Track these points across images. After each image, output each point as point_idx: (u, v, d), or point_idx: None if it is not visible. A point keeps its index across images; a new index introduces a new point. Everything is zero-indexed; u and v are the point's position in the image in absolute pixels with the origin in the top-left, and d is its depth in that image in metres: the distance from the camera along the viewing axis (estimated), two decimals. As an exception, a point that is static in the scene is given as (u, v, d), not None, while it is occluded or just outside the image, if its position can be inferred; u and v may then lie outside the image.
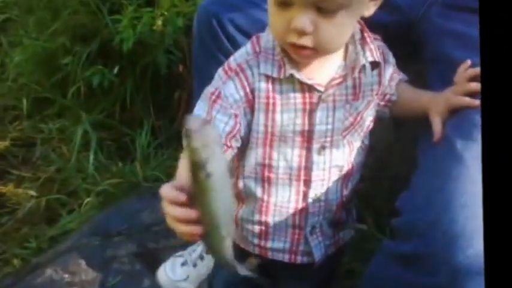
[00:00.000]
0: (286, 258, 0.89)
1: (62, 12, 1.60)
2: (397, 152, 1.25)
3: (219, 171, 0.61)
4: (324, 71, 0.81)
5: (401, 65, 1.08)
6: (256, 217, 0.87)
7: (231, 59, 0.81)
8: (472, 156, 0.80)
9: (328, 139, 0.83)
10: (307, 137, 0.82)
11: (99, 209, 1.46)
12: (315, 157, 0.83)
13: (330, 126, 0.82)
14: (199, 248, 1.23)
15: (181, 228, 0.64)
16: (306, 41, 0.74)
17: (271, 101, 0.79)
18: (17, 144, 1.72)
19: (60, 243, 1.40)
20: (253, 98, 0.78)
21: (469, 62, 0.90)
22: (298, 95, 0.80)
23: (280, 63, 0.78)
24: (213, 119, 0.76)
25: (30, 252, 1.41)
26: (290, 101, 0.79)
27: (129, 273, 1.26)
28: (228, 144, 0.77)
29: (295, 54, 0.77)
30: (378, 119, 0.90)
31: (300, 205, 0.86)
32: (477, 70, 0.88)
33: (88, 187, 1.51)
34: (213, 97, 0.78)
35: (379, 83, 0.85)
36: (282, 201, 0.85)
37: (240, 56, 0.80)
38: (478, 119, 0.82)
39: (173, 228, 0.65)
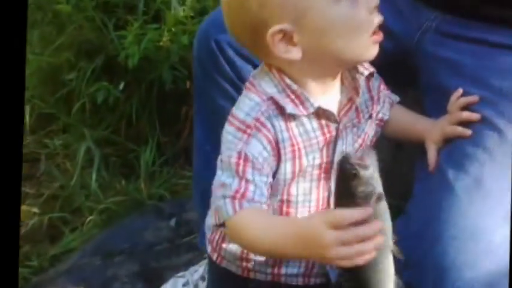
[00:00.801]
0: (300, 281, 0.86)
1: (67, 28, 1.59)
2: (396, 176, 1.22)
3: (382, 191, 0.65)
4: (331, 98, 0.80)
5: (398, 91, 1.07)
6: None
7: (241, 114, 0.76)
8: (462, 187, 0.81)
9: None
10: (325, 168, 0.81)
11: (102, 227, 1.43)
12: (332, 186, 0.81)
13: (344, 153, 0.80)
14: (201, 268, 1.20)
15: (369, 246, 0.64)
16: (379, 16, 0.76)
17: (296, 147, 0.77)
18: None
19: (62, 262, 1.36)
20: (279, 149, 0.76)
21: (460, 91, 0.90)
22: (318, 132, 0.78)
23: (297, 101, 0.76)
24: (252, 182, 0.73)
25: (32, 271, 1.38)
26: (312, 141, 0.78)
27: (130, 293, 1.22)
28: (269, 203, 0.76)
29: (376, 42, 0.77)
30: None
31: None
32: (469, 99, 0.88)
33: (91, 205, 1.47)
34: (241, 161, 0.74)
35: (372, 98, 0.86)
36: None
37: (252, 110, 0.76)
38: (469, 149, 0.86)
39: (359, 252, 0.64)
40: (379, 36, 0.77)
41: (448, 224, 0.79)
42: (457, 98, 0.90)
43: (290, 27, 0.72)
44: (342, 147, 0.81)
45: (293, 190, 0.80)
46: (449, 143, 0.89)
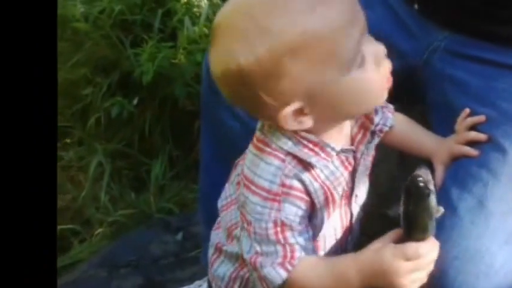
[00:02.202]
0: None
1: (85, 44, 1.60)
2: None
3: None
4: (345, 132, 0.78)
5: (405, 108, 1.04)
6: None
7: (265, 184, 0.71)
8: (465, 207, 0.79)
9: (359, 185, 0.81)
10: (347, 194, 0.79)
11: (111, 239, 1.42)
12: (353, 206, 0.81)
13: (359, 174, 0.80)
14: (205, 284, 1.17)
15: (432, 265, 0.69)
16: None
17: (328, 192, 0.74)
18: (37, 171, 1.70)
19: (69, 273, 1.35)
20: (312, 200, 0.73)
21: (467, 110, 0.88)
22: (341, 169, 0.76)
23: (316, 150, 0.72)
24: (297, 244, 0.72)
25: (40, 281, 1.37)
26: (340, 179, 0.76)
27: (134, 306, 1.20)
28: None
29: (388, 86, 0.74)
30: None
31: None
32: (476, 119, 0.87)
33: (101, 217, 1.47)
34: (278, 229, 0.71)
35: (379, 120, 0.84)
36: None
37: (275, 176, 0.71)
38: (474, 169, 0.84)
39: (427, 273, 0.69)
40: (390, 82, 0.74)
41: (449, 244, 0.77)
42: (464, 118, 0.89)
43: (301, 104, 0.68)
44: (361, 171, 0.80)
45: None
46: (454, 161, 0.87)
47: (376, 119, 0.86)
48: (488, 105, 0.89)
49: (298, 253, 0.71)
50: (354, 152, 0.78)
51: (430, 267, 0.69)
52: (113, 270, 1.27)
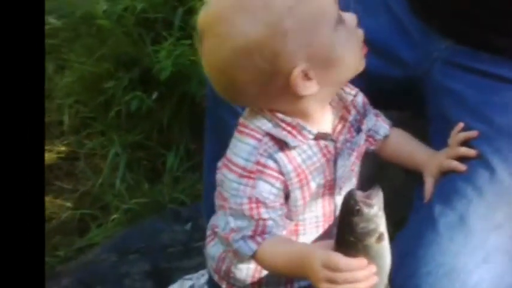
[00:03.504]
0: None
1: (108, 40, 1.64)
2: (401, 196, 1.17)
3: (385, 230, 0.64)
4: (324, 120, 0.79)
5: (406, 118, 1.03)
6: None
7: (240, 161, 0.74)
8: (446, 224, 0.78)
9: (343, 179, 0.82)
10: (330, 185, 0.81)
11: (125, 225, 1.46)
12: (337, 199, 0.81)
13: (343, 168, 0.81)
14: (207, 274, 1.20)
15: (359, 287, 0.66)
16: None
17: (302, 176, 0.76)
18: (63, 157, 1.76)
19: (85, 255, 1.40)
20: (285, 181, 0.75)
21: (461, 125, 0.87)
22: (319, 155, 0.77)
23: (294, 132, 0.75)
24: (269, 219, 0.73)
25: (58, 261, 1.43)
26: (316, 164, 0.77)
27: (139, 290, 1.24)
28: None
29: (364, 53, 0.77)
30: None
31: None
32: (468, 134, 0.85)
33: (117, 204, 1.51)
34: (253, 205, 0.73)
35: (358, 112, 0.85)
36: None
37: (250, 154, 0.73)
38: (459, 185, 0.82)
39: None
40: (366, 49, 0.78)
41: (425, 260, 0.76)
42: (457, 132, 0.87)
43: (306, 65, 0.71)
44: (341, 163, 0.81)
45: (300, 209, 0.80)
46: (443, 176, 0.86)
47: (365, 121, 0.87)
48: (483, 120, 0.87)
49: (269, 228, 0.73)
50: (334, 141, 0.79)
51: (354, 286, 0.65)
52: (123, 255, 1.32)
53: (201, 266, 1.22)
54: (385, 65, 1.02)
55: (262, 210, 0.73)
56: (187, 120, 1.62)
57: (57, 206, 1.59)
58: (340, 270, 0.64)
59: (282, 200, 0.75)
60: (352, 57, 0.76)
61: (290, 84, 0.71)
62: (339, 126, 0.80)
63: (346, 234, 0.64)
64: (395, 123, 1.23)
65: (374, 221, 0.63)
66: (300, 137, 0.75)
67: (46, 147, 1.78)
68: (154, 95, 1.61)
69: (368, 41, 1.01)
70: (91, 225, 1.51)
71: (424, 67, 0.99)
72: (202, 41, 0.73)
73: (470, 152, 0.84)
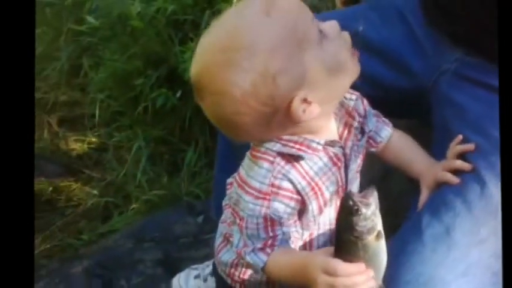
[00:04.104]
0: None
1: (140, 40, 1.70)
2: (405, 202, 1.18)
3: (381, 229, 0.65)
4: (330, 129, 0.81)
5: (413, 127, 1.02)
6: None
7: (256, 184, 0.76)
8: (431, 235, 0.79)
9: (351, 180, 0.84)
10: (342, 189, 0.82)
11: (144, 215, 1.53)
12: None
13: (352, 171, 0.83)
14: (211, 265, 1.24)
15: None
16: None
17: (316, 188, 0.78)
18: (93, 148, 1.85)
19: (105, 240, 1.47)
20: (302, 197, 0.77)
21: (460, 137, 0.87)
22: (330, 164, 0.79)
23: (305, 144, 0.77)
24: (279, 236, 0.76)
25: (82, 244, 1.52)
26: (328, 174, 0.79)
27: (150, 276, 1.31)
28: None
29: (355, 59, 0.78)
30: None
31: None
32: (465, 147, 0.85)
33: (138, 194, 1.58)
34: (268, 223, 0.76)
35: (360, 115, 0.86)
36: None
37: (265, 177, 0.75)
38: (450, 197, 0.83)
39: None
40: (357, 51, 0.78)
41: (405, 268, 0.77)
42: (456, 144, 0.87)
43: (303, 92, 0.72)
44: (352, 167, 0.82)
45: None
46: (438, 187, 0.86)
47: (370, 126, 0.89)
48: (482, 134, 0.87)
49: (279, 242, 0.76)
50: (343, 148, 0.80)
51: None
52: (139, 242, 1.38)
53: (208, 257, 1.27)
54: (395, 75, 1.02)
55: (277, 227, 0.76)
56: (207, 118, 1.66)
57: (85, 193, 1.69)
58: (339, 275, 0.65)
59: (295, 218, 0.77)
60: (344, 65, 0.76)
61: (292, 116, 0.72)
62: (345, 133, 0.82)
63: (345, 233, 0.65)
64: (403, 129, 1.24)
65: (372, 219, 0.64)
66: (309, 151, 0.76)
67: (78, 138, 1.89)
68: (179, 93, 1.67)
69: (380, 51, 1.03)
70: (113, 212, 1.60)
71: (432, 78, 0.98)
72: (200, 98, 0.76)
73: (465, 165, 0.83)
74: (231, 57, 0.70)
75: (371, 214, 0.64)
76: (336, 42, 0.75)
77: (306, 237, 0.82)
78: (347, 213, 0.64)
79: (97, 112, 1.78)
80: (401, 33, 1.02)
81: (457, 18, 0.94)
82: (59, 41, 2.01)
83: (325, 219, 0.82)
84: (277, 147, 0.76)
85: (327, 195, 0.79)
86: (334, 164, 0.79)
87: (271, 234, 0.76)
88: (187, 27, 1.71)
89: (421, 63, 1.00)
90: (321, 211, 0.79)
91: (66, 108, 2.01)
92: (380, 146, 0.92)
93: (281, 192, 0.75)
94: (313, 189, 0.77)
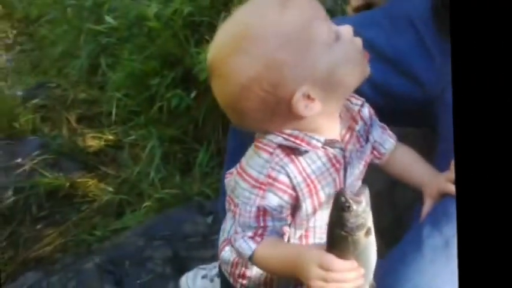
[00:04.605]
0: None
1: (157, 41, 1.71)
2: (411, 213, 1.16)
3: (372, 225, 0.67)
4: (333, 131, 0.81)
5: (424, 136, 1.00)
6: None
7: (254, 173, 0.76)
8: (430, 245, 0.78)
9: (352, 187, 0.83)
10: None
11: (156, 213, 1.54)
12: None
13: (352, 177, 0.83)
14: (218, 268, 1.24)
15: (347, 286, 0.68)
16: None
17: (311, 186, 0.78)
18: (110, 145, 1.87)
19: (117, 236, 1.49)
20: (296, 193, 0.77)
21: None
22: (328, 165, 0.79)
23: (306, 140, 0.77)
24: (271, 226, 0.77)
25: (95, 239, 1.53)
26: (325, 174, 0.79)
27: (159, 274, 1.32)
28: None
29: (367, 59, 0.78)
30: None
31: None
32: None
33: (151, 193, 1.59)
34: (260, 213, 0.76)
35: (365, 123, 0.86)
36: None
37: (263, 167, 0.76)
38: (451, 209, 0.81)
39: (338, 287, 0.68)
40: (368, 54, 0.78)
41: (404, 278, 0.77)
42: None
43: (306, 88, 0.73)
44: (351, 171, 0.82)
45: (311, 222, 0.81)
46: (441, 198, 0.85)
47: (375, 136, 0.88)
48: None
49: (269, 232, 0.76)
50: (343, 150, 0.80)
51: (343, 286, 0.68)
52: (149, 240, 1.39)
53: (215, 257, 1.27)
54: (404, 83, 1.01)
55: (268, 218, 0.76)
56: (220, 119, 1.67)
57: (101, 190, 1.70)
58: (333, 270, 0.67)
59: (288, 212, 0.78)
60: (352, 69, 0.76)
61: (293, 109, 0.73)
62: (347, 136, 0.81)
63: (337, 229, 0.66)
64: (409, 137, 1.22)
65: (362, 216, 0.65)
66: (309, 147, 0.77)
67: (96, 135, 1.91)
68: (193, 94, 1.67)
69: (390, 59, 1.01)
70: (126, 209, 1.61)
71: (439, 87, 0.97)
72: (211, 80, 0.78)
73: None
74: (241, 43, 0.72)
75: (362, 211, 0.65)
76: (348, 46, 0.76)
77: (301, 237, 0.82)
78: (339, 209, 0.66)
79: (113, 110, 1.80)
80: (410, 41, 1.01)
81: None
82: (79, 40, 2.04)
83: (322, 223, 0.81)
84: (278, 139, 0.77)
85: (322, 195, 0.78)
86: (333, 165, 0.79)
87: (262, 224, 0.76)
88: (203, 29, 1.72)
89: (429, 72, 0.98)
90: (314, 211, 0.79)
91: (85, 105, 2.04)
92: (383, 158, 0.91)
93: (276, 184, 0.76)
94: (308, 186, 0.77)
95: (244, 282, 0.90)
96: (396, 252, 0.83)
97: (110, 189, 1.69)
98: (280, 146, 0.76)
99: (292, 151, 0.76)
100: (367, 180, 1.43)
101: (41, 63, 2.33)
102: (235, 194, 0.79)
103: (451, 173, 0.85)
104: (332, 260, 0.67)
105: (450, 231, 0.79)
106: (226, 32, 0.76)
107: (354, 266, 0.67)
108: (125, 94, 1.84)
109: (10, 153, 1.83)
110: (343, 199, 0.65)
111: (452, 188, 0.82)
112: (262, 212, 0.76)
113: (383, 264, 0.82)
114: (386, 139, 0.90)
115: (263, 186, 0.75)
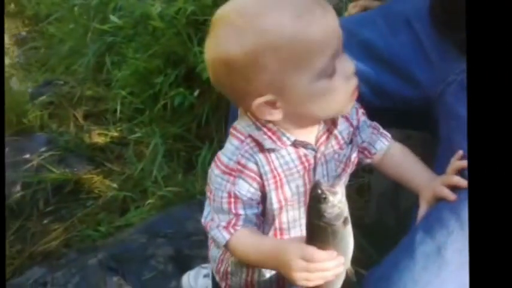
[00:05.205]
0: None
1: (161, 39, 1.69)
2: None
3: (348, 215, 0.68)
4: (309, 130, 0.80)
5: (419, 141, 0.97)
6: (273, 276, 0.87)
7: (225, 159, 0.77)
8: (423, 252, 0.76)
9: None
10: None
11: (159, 210, 1.53)
12: None
13: (326, 179, 0.81)
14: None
15: (328, 274, 0.70)
16: (355, 78, 0.75)
17: (277, 178, 0.78)
18: (115, 142, 1.86)
19: (120, 233, 1.48)
20: (263, 182, 0.77)
21: (461, 153, 0.83)
22: (297, 162, 0.79)
23: (274, 137, 0.76)
24: (243, 215, 0.77)
25: (99, 235, 1.52)
26: (292, 170, 0.78)
27: (162, 272, 1.31)
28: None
29: (353, 98, 0.76)
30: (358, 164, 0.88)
31: None
32: (464, 163, 0.82)
33: (154, 190, 1.58)
34: (231, 200, 0.76)
35: (351, 125, 0.84)
36: None
37: (233, 154, 0.77)
38: (445, 215, 0.80)
39: (318, 278, 0.70)
40: (355, 96, 0.76)
41: (397, 285, 0.75)
42: (457, 159, 0.84)
43: (273, 97, 0.72)
44: (323, 173, 0.81)
45: (283, 218, 0.82)
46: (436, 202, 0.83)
47: (363, 136, 0.87)
48: None
49: (242, 222, 0.77)
50: (315, 151, 0.79)
51: (324, 274, 0.70)
52: (151, 238, 1.38)
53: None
54: (401, 85, 0.99)
55: (239, 205, 0.76)
56: (223, 117, 1.65)
57: (105, 186, 1.70)
58: (315, 261, 0.68)
59: (258, 199, 0.78)
60: (327, 107, 0.74)
61: (252, 108, 0.72)
62: (323, 137, 0.80)
63: (316, 220, 0.67)
64: (410, 141, 1.19)
65: (339, 206, 0.66)
66: (279, 143, 0.76)
67: (102, 132, 1.90)
68: (196, 92, 1.65)
69: (387, 60, 0.99)
70: (131, 206, 1.60)
71: (438, 89, 0.95)
72: (210, 32, 0.75)
73: (461, 182, 0.80)
74: (239, 25, 0.69)
75: (338, 202, 0.66)
76: (337, 86, 0.72)
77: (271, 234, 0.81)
78: (316, 201, 0.67)
79: (118, 108, 1.79)
80: (408, 42, 0.99)
81: (463, 20, 0.90)
82: (87, 38, 2.03)
83: (295, 224, 0.81)
84: (250, 128, 0.76)
85: (287, 190, 0.78)
86: (302, 163, 0.78)
87: (233, 211, 0.76)
88: (206, 28, 1.68)
89: (427, 73, 0.96)
90: (280, 206, 0.78)
91: (92, 102, 2.03)
92: (375, 157, 0.90)
93: (246, 171, 0.76)
94: (274, 177, 0.77)
95: (228, 280, 0.90)
96: (390, 257, 0.81)
97: (115, 185, 1.69)
98: (251, 136, 0.76)
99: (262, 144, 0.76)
100: (371, 182, 1.41)
101: (49, 60, 2.33)
102: (211, 181, 0.80)
103: (446, 177, 0.83)
104: (313, 251, 0.68)
105: (442, 238, 0.77)
106: (235, 8, 0.71)
107: (334, 255, 0.69)
108: (129, 92, 1.82)
109: (18, 149, 1.82)
110: (319, 191, 0.66)
111: (446, 193, 0.81)
112: (234, 198, 0.76)
113: (378, 269, 0.81)
114: (376, 139, 0.89)
115: (233, 173, 0.76)
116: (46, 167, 1.74)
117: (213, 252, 0.93)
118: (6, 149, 1.78)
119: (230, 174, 0.76)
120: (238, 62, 0.69)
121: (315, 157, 0.79)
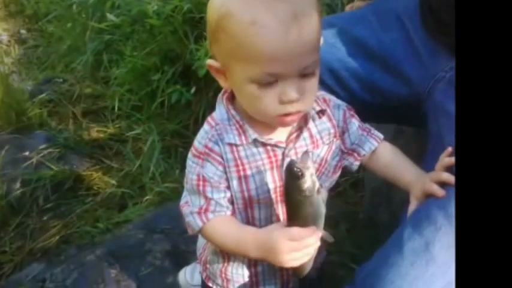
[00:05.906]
0: None
1: (157, 37, 1.67)
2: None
3: (320, 184, 0.72)
4: (281, 129, 0.79)
5: (412, 136, 0.96)
6: (246, 271, 0.87)
7: (196, 143, 0.79)
8: (411, 248, 0.75)
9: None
10: (281, 191, 0.79)
11: (156, 206, 1.51)
12: None
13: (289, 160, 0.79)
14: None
15: (312, 249, 0.73)
16: (295, 107, 0.72)
17: (240, 167, 0.78)
18: (114, 139, 1.84)
19: (119, 229, 1.47)
20: (225, 168, 0.78)
21: (450, 149, 0.82)
22: (264, 156, 0.78)
23: (240, 130, 0.77)
24: (212, 200, 0.78)
25: (98, 232, 1.51)
26: (258, 163, 0.78)
27: (158, 267, 1.30)
28: (231, 212, 0.80)
29: (283, 123, 0.74)
30: (346, 169, 0.88)
31: None
32: (453, 160, 0.80)
33: (152, 186, 1.56)
34: (200, 182, 0.78)
35: (334, 126, 0.83)
36: None
37: (202, 138, 0.78)
38: (433, 211, 0.78)
39: (305, 255, 0.72)
40: (284, 122, 0.74)
41: (384, 281, 0.74)
42: (446, 156, 0.83)
43: (222, 67, 0.73)
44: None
45: (256, 214, 0.81)
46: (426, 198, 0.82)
47: (352, 138, 0.86)
48: None
49: (212, 207, 0.78)
50: (284, 148, 0.78)
51: (309, 250, 0.72)
52: (149, 233, 1.37)
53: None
54: (392, 81, 0.98)
55: (208, 188, 0.77)
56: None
57: (104, 182, 1.68)
58: (302, 238, 0.71)
59: (226, 183, 0.78)
60: (254, 111, 0.74)
61: (213, 68, 0.74)
62: (294, 135, 0.79)
63: (296, 195, 0.70)
64: (406, 135, 1.17)
65: (312, 178, 0.70)
66: (242, 137, 0.76)
67: (100, 129, 1.88)
68: (193, 89, 1.64)
69: (378, 56, 0.98)
70: (129, 203, 1.59)
71: (427, 86, 0.94)
72: None
73: (451, 178, 0.79)
74: None
75: (311, 174, 0.70)
76: (267, 99, 0.71)
77: None
78: (295, 178, 0.69)
79: (116, 105, 1.77)
80: (398, 39, 0.98)
81: (452, 27, 0.88)
82: (85, 36, 2.00)
83: (268, 220, 0.80)
84: (222, 117, 0.77)
85: (251, 182, 0.77)
86: (269, 157, 0.78)
87: (202, 193, 0.77)
88: (203, 26, 1.67)
89: (417, 70, 0.95)
90: (243, 195, 0.78)
91: (90, 100, 2.01)
92: (364, 159, 0.88)
93: (212, 154, 0.77)
94: (236, 166, 0.77)
95: (207, 269, 0.90)
96: (380, 253, 0.80)
97: (113, 182, 1.67)
98: (222, 123, 0.77)
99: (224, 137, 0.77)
100: (365, 177, 1.40)
101: (49, 58, 2.31)
102: (187, 164, 0.81)
103: (435, 174, 0.82)
104: (298, 230, 0.71)
105: (430, 234, 0.76)
106: None
107: (314, 230, 0.72)
108: (127, 89, 1.80)
109: (18, 147, 1.81)
110: (295, 169, 0.69)
111: (435, 189, 0.80)
112: (202, 180, 0.77)
113: (367, 265, 0.80)
114: (366, 141, 0.87)
115: (202, 156, 0.77)
116: (45, 164, 1.72)
117: (200, 241, 0.95)
118: (6, 147, 1.77)
119: (199, 157, 0.77)
120: (208, 23, 0.72)
121: (282, 153, 0.78)
